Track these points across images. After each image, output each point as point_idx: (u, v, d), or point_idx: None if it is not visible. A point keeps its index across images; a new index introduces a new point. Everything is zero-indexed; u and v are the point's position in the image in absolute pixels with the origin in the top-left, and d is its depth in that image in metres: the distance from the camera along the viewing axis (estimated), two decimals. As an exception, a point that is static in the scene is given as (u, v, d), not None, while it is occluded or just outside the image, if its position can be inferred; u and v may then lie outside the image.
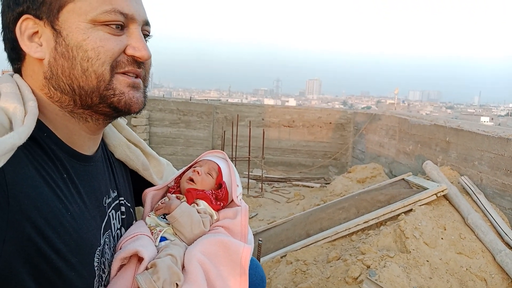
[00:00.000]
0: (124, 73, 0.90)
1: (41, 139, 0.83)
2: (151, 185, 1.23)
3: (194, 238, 1.06)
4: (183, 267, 0.96)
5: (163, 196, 1.21)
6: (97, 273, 0.90)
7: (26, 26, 0.84)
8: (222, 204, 1.19)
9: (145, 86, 0.99)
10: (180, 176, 1.24)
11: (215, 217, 1.15)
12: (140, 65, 0.92)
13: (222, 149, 7.30)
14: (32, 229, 0.72)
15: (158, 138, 8.90)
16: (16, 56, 0.88)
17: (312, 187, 7.62)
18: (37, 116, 0.79)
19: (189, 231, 1.05)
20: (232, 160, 7.18)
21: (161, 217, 1.10)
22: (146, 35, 0.97)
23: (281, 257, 3.62)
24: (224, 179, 1.24)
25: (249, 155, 7.20)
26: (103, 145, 1.11)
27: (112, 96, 0.88)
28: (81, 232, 0.85)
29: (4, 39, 0.88)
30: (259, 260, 2.87)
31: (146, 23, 0.95)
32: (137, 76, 0.93)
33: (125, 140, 1.17)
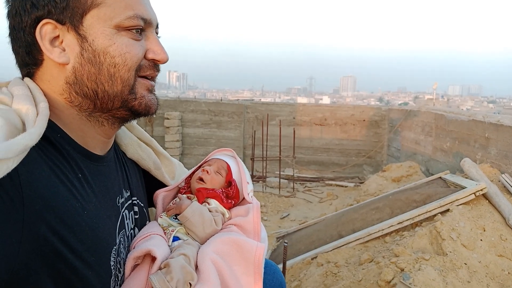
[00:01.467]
0: (144, 77, 0.94)
1: (55, 139, 0.84)
2: (163, 185, 1.24)
3: (207, 237, 1.05)
4: (196, 266, 0.96)
5: (174, 197, 1.21)
6: (113, 272, 0.90)
7: (46, 30, 0.84)
8: (233, 202, 1.19)
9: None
10: (190, 176, 1.25)
11: (227, 215, 1.14)
12: (158, 67, 0.97)
13: (253, 149, 7.29)
14: (48, 229, 0.73)
15: (191, 139, 9.00)
16: (32, 61, 0.88)
17: (346, 187, 7.47)
18: (48, 116, 0.80)
19: (201, 230, 1.05)
20: (262, 160, 7.21)
21: (173, 218, 1.11)
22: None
23: (312, 259, 3.56)
24: (233, 176, 1.23)
25: (279, 154, 7.14)
26: (115, 145, 1.12)
27: (134, 99, 0.92)
28: (98, 231, 0.86)
29: (15, 42, 0.88)
30: (285, 263, 2.82)
31: (157, 26, 0.98)
32: (152, 79, 0.97)
33: (136, 139, 1.19)
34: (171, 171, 1.31)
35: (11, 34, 0.88)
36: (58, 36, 0.85)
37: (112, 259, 0.90)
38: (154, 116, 8.76)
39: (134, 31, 0.89)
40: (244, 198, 1.21)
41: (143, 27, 0.91)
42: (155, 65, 0.96)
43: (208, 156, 1.30)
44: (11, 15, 0.86)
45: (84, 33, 0.85)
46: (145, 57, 0.93)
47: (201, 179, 1.19)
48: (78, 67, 0.86)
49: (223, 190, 1.18)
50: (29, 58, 0.88)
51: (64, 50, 0.86)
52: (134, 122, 1.19)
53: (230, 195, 1.18)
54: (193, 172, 1.25)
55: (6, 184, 0.66)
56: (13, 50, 0.89)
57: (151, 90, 0.97)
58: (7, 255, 0.66)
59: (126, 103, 0.91)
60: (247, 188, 1.21)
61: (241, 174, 1.24)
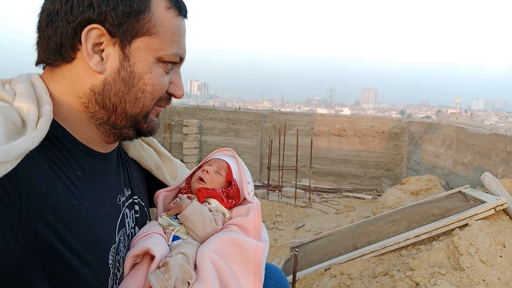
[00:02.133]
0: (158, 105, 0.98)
1: (56, 137, 0.84)
2: (164, 185, 1.24)
3: (207, 236, 1.05)
4: (195, 266, 0.95)
5: (175, 197, 1.21)
6: (111, 271, 0.90)
7: (92, 34, 0.84)
8: (234, 202, 1.18)
9: None
10: (191, 176, 1.24)
11: (227, 215, 1.14)
12: (171, 99, 1.02)
13: (269, 158, 7.27)
14: (45, 226, 0.73)
15: (208, 147, 9.04)
16: (60, 54, 0.86)
17: (363, 199, 7.37)
18: (51, 120, 0.80)
19: (201, 229, 1.05)
20: (279, 169, 7.18)
21: (173, 217, 1.10)
22: None
23: (325, 270, 3.50)
24: (234, 176, 1.23)
25: (296, 164, 7.10)
26: (118, 144, 1.12)
27: (144, 122, 0.95)
28: (96, 229, 0.85)
29: (51, 27, 0.85)
30: (295, 272, 2.79)
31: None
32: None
33: (138, 140, 1.19)
34: (173, 171, 1.31)
35: (49, 15, 0.85)
36: (101, 43, 0.85)
37: (110, 257, 0.89)
38: (172, 123, 8.88)
39: (169, 64, 0.93)
40: (245, 198, 1.20)
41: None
42: (170, 96, 1.00)
43: (208, 156, 1.30)
44: (64, 1, 0.83)
45: (129, 54, 0.87)
46: (168, 90, 0.98)
47: (201, 179, 1.19)
48: (110, 81, 0.87)
49: (224, 190, 1.18)
50: (58, 49, 0.85)
51: (102, 60, 0.86)
52: None
53: (231, 195, 1.18)
54: (194, 172, 1.25)
55: (4, 180, 0.66)
56: (41, 31, 0.86)
57: (158, 115, 1.02)
58: (3, 251, 0.66)
59: (137, 124, 0.95)
60: (247, 187, 1.21)
61: (241, 173, 1.24)
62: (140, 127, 0.96)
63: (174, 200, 1.16)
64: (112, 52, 0.86)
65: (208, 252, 0.96)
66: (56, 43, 0.85)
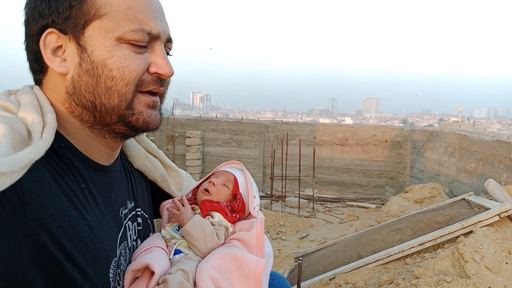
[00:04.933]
0: (146, 92, 0.90)
1: (59, 149, 0.83)
2: (170, 196, 1.23)
3: (208, 251, 1.03)
4: (195, 283, 0.93)
5: None
6: (112, 285, 0.88)
7: (50, 39, 0.85)
8: (238, 216, 1.16)
9: (162, 103, 0.99)
10: (198, 187, 1.23)
11: (230, 229, 1.12)
12: (163, 82, 0.92)
13: (272, 168, 7.27)
14: (48, 237, 0.72)
15: (211, 157, 9.05)
16: (39, 68, 0.89)
17: (367, 208, 7.34)
18: (56, 128, 0.80)
19: (203, 244, 1.03)
20: (282, 179, 7.17)
21: (176, 229, 1.08)
22: (168, 50, 0.97)
23: (330, 280, 3.48)
24: (240, 190, 1.20)
25: (299, 174, 7.09)
26: (122, 155, 1.11)
27: (131, 115, 0.88)
28: (98, 242, 0.84)
29: (26, 49, 0.89)
30: (299, 281, 2.77)
31: (169, 40, 0.95)
32: (156, 94, 0.93)
33: (144, 151, 1.17)
34: (179, 183, 1.29)
35: (24, 42, 0.89)
36: (61, 46, 0.85)
37: (111, 271, 0.88)
38: (175, 135, 8.90)
39: (140, 43, 0.86)
40: (250, 212, 1.18)
41: (149, 40, 0.88)
42: (160, 80, 0.91)
43: (216, 168, 1.29)
44: (24, 23, 0.88)
45: (84, 44, 0.83)
46: (148, 71, 0.89)
47: (207, 191, 1.18)
48: (76, 77, 0.85)
49: (228, 204, 1.16)
50: (36, 65, 0.88)
51: (65, 60, 0.85)
52: (142, 135, 1.16)
53: (235, 209, 1.16)
54: (201, 184, 1.24)
55: (8, 191, 0.65)
56: (26, 56, 0.90)
57: (152, 106, 0.92)
58: (6, 263, 0.66)
59: (123, 118, 0.88)
60: (253, 202, 1.19)
61: (248, 187, 1.22)
62: (129, 121, 0.89)
63: (178, 204, 1.14)
64: (70, 49, 0.85)
65: (208, 268, 0.95)
66: (32, 62, 0.89)
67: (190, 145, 8.76)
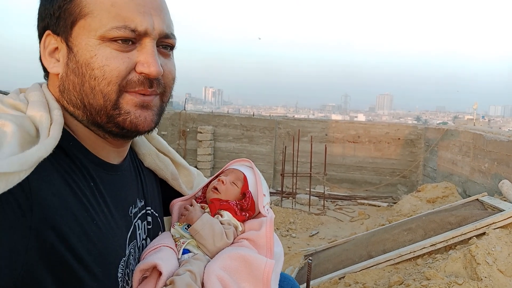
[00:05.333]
0: (133, 92, 0.86)
1: (68, 148, 0.84)
2: (180, 195, 1.22)
3: (217, 250, 1.02)
4: (203, 284, 0.93)
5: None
6: (120, 284, 0.88)
7: (48, 42, 0.87)
8: (247, 214, 1.15)
9: (164, 102, 0.95)
10: (207, 186, 1.22)
11: (240, 228, 1.11)
12: (152, 83, 0.87)
13: (283, 164, 7.26)
14: (56, 237, 0.72)
15: (222, 153, 9.07)
16: (43, 68, 0.91)
17: (378, 206, 7.29)
18: (62, 125, 0.80)
19: (211, 244, 1.02)
20: (293, 176, 7.15)
21: (185, 228, 1.08)
22: (168, 46, 0.92)
23: (340, 279, 3.46)
24: (250, 188, 1.19)
25: (310, 171, 7.07)
26: (133, 153, 1.11)
27: (118, 115, 0.86)
28: (106, 241, 0.84)
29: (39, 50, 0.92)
30: (308, 281, 2.76)
31: (166, 36, 0.89)
32: (149, 94, 0.88)
33: (155, 150, 1.17)
34: (189, 181, 1.28)
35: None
36: (57, 48, 0.86)
37: (120, 270, 0.88)
38: (187, 130, 8.94)
39: (120, 41, 0.82)
40: (260, 211, 1.17)
41: (136, 37, 0.84)
42: (149, 80, 0.86)
43: (226, 166, 1.27)
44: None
45: (71, 44, 0.83)
46: (136, 70, 0.85)
47: (216, 189, 1.17)
48: (64, 76, 0.85)
49: (237, 202, 1.15)
50: (41, 65, 0.91)
51: (58, 60, 0.86)
52: (153, 133, 1.15)
53: (245, 207, 1.15)
54: (210, 182, 1.24)
55: (16, 190, 0.65)
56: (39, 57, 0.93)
57: (143, 106, 0.87)
58: (13, 262, 0.66)
59: (111, 118, 0.86)
60: (263, 200, 1.17)
61: (258, 185, 1.21)
62: (117, 122, 0.86)
63: (187, 206, 1.14)
64: (63, 49, 0.85)
65: (216, 269, 0.94)
66: (40, 59, 0.91)
67: (201, 141, 8.79)
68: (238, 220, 1.11)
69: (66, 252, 0.74)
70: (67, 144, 0.84)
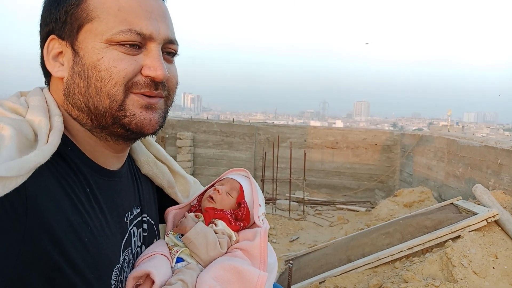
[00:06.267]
0: (139, 94, 0.87)
1: (65, 153, 0.83)
2: (176, 203, 1.21)
3: (210, 260, 1.02)
4: None
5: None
6: None
7: (52, 46, 0.87)
8: (242, 224, 1.15)
9: (168, 105, 0.96)
10: (203, 194, 1.22)
11: (234, 238, 1.10)
12: (157, 86, 0.89)
13: (263, 170, 7.29)
14: (50, 242, 0.72)
15: (202, 159, 9.04)
16: (45, 72, 0.91)
17: (357, 211, 7.39)
18: (62, 131, 0.80)
19: (205, 253, 1.02)
20: (273, 182, 7.17)
21: (179, 237, 1.07)
22: (171, 52, 0.94)
23: (320, 283, 3.50)
24: (245, 198, 1.19)
25: (290, 176, 7.12)
26: (130, 160, 1.10)
27: (123, 117, 0.87)
28: (100, 248, 0.84)
29: (40, 55, 0.92)
30: (289, 286, 2.78)
31: (170, 41, 0.92)
32: (155, 96, 0.90)
33: (153, 157, 1.16)
34: (186, 189, 1.27)
35: (40, 49, 0.92)
36: (62, 52, 0.87)
37: (113, 277, 0.87)
38: (166, 136, 8.87)
39: (127, 45, 0.84)
40: (254, 221, 1.17)
41: (142, 42, 0.86)
42: (155, 83, 0.88)
43: (222, 175, 1.27)
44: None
45: (77, 48, 0.84)
46: (142, 73, 0.87)
47: (211, 198, 1.16)
48: (70, 79, 0.86)
49: (232, 212, 1.14)
50: (43, 69, 0.91)
51: (63, 64, 0.87)
52: (152, 140, 1.17)
53: (239, 217, 1.14)
54: (206, 190, 1.22)
55: (12, 195, 0.65)
56: (40, 62, 0.93)
57: (148, 108, 0.89)
58: (5, 266, 0.66)
59: (117, 119, 0.87)
60: (258, 210, 1.17)
61: (254, 196, 1.20)
62: (123, 123, 0.87)
63: (181, 219, 1.12)
64: (68, 53, 0.86)
65: (208, 280, 0.93)
66: (40, 64, 0.91)
67: (181, 147, 8.74)
68: (232, 230, 1.11)
69: (59, 258, 0.74)
70: (65, 149, 0.84)
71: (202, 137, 9.06)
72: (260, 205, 1.19)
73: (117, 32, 0.83)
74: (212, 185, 1.22)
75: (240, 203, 1.18)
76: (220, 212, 1.13)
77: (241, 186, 1.21)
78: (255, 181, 1.26)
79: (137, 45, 0.86)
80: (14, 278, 0.68)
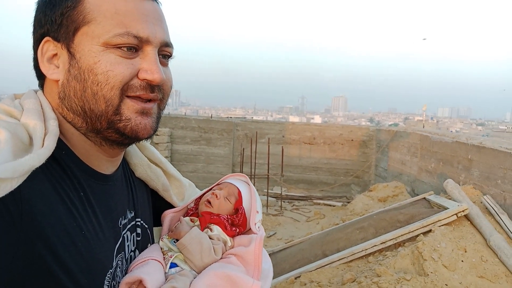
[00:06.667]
0: (135, 97, 0.87)
1: (60, 156, 0.83)
2: (171, 206, 1.20)
3: (204, 266, 1.01)
4: None
5: None
6: None
7: (47, 48, 0.85)
8: (238, 230, 1.13)
9: (161, 109, 0.96)
10: (200, 197, 1.20)
11: (229, 243, 1.09)
12: (153, 89, 0.89)
13: (241, 166, 7.30)
14: (44, 246, 0.72)
15: (180, 156, 8.99)
16: (39, 74, 0.90)
17: (333, 206, 7.49)
18: (58, 135, 0.79)
19: (199, 259, 1.01)
20: (251, 178, 7.18)
21: (174, 241, 1.05)
22: (167, 55, 0.95)
23: (295, 278, 3.54)
24: (243, 204, 1.18)
25: (268, 172, 7.15)
26: (124, 163, 1.09)
27: (119, 121, 0.86)
28: (94, 253, 0.83)
29: (33, 58, 0.90)
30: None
31: (166, 45, 0.92)
32: (150, 101, 0.90)
33: (147, 160, 1.15)
34: (181, 192, 1.26)
35: (32, 51, 0.90)
36: (57, 54, 0.86)
37: (106, 282, 0.87)
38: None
39: (125, 48, 0.84)
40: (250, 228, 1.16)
41: (138, 45, 0.86)
42: (151, 86, 0.88)
43: (221, 179, 1.25)
44: (32, 34, 0.89)
45: (74, 51, 0.84)
46: (138, 76, 0.86)
47: (209, 202, 1.15)
48: (65, 82, 0.85)
49: (229, 217, 1.13)
50: (37, 72, 0.89)
51: (58, 67, 0.86)
52: (146, 143, 1.15)
53: (236, 223, 1.13)
54: (204, 194, 1.21)
55: (7, 198, 0.65)
56: (33, 64, 0.91)
57: (143, 113, 0.88)
58: None
59: (112, 124, 0.86)
60: (255, 217, 1.16)
61: (252, 202, 1.19)
62: (118, 128, 0.86)
63: (177, 224, 1.10)
64: (63, 55, 0.85)
65: (201, 287, 0.93)
66: (35, 68, 0.89)
67: (158, 143, 8.67)
68: (228, 235, 1.10)
69: (53, 262, 0.73)
70: (60, 153, 0.83)
71: (180, 133, 9.00)
72: (257, 212, 1.19)
73: (114, 35, 0.83)
74: (210, 189, 1.21)
75: (237, 208, 1.17)
76: (216, 217, 1.12)
77: (239, 192, 1.20)
78: (254, 187, 1.25)
79: (134, 48, 0.86)
80: (7, 281, 0.68)
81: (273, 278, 3.53)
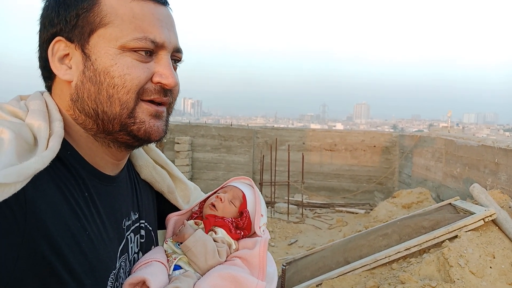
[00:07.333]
0: (148, 101, 0.88)
1: (65, 157, 0.83)
2: (176, 208, 1.20)
3: (209, 268, 1.00)
4: None
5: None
6: None
7: (58, 47, 0.86)
8: (242, 233, 1.13)
9: (169, 113, 0.97)
10: (205, 200, 1.20)
11: (233, 246, 1.08)
12: (167, 93, 0.91)
13: (261, 173, 7.27)
14: (48, 247, 0.71)
15: (201, 164, 9.03)
16: (48, 75, 0.90)
17: (356, 213, 7.36)
18: (62, 137, 0.80)
19: (203, 261, 1.00)
20: (271, 185, 7.16)
21: (178, 244, 1.05)
22: (177, 60, 0.96)
23: (317, 286, 3.47)
24: (248, 207, 1.17)
25: (288, 179, 7.10)
26: (130, 165, 1.10)
27: (132, 124, 0.87)
28: (97, 253, 0.83)
29: (39, 58, 0.91)
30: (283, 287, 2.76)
31: (177, 50, 0.94)
32: (161, 104, 0.91)
33: (152, 162, 1.15)
34: (186, 195, 1.26)
35: (37, 51, 0.90)
36: (68, 54, 0.86)
37: (109, 283, 0.87)
38: (164, 141, 8.86)
39: (142, 53, 0.85)
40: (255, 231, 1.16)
41: (154, 49, 0.87)
42: (164, 90, 0.90)
43: (225, 182, 1.25)
44: (38, 32, 0.89)
45: (89, 52, 0.84)
46: (152, 80, 0.88)
47: (213, 206, 1.15)
48: (79, 84, 0.85)
49: (233, 220, 1.13)
50: (46, 72, 0.89)
51: (70, 67, 0.86)
52: (151, 145, 1.15)
53: (240, 226, 1.13)
54: (208, 197, 1.21)
55: (11, 199, 0.65)
56: (39, 64, 0.91)
57: (156, 116, 0.90)
58: (3, 270, 0.65)
59: (125, 126, 0.87)
60: (259, 220, 1.16)
61: (256, 205, 1.19)
62: (131, 130, 0.87)
63: (181, 227, 1.10)
64: (76, 56, 0.85)
65: None
66: (43, 69, 0.90)
67: (179, 151, 8.73)
68: (232, 238, 1.09)
69: (57, 262, 0.73)
70: (65, 153, 0.83)
71: (200, 141, 9.06)
72: (262, 215, 1.18)
73: (132, 39, 0.84)
74: (215, 192, 1.21)
75: (242, 212, 1.16)
76: (220, 219, 1.11)
77: (244, 195, 1.19)
78: (258, 190, 1.24)
79: (149, 52, 0.87)
80: (10, 283, 0.67)
81: (294, 285, 3.49)
